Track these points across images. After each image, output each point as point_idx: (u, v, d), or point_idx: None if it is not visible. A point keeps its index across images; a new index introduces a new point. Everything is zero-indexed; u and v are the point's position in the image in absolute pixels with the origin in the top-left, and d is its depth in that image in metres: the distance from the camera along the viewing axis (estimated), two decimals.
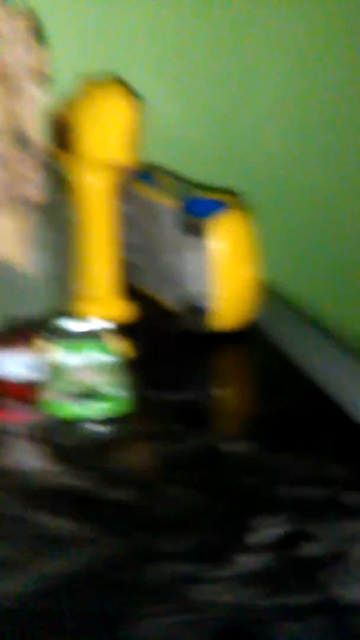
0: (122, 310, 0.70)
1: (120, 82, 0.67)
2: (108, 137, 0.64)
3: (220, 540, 0.41)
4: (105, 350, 0.54)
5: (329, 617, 0.34)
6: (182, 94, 0.93)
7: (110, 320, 0.63)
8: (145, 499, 0.44)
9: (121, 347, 0.56)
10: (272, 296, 0.79)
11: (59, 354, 0.54)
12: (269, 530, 0.41)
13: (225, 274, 0.64)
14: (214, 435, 0.52)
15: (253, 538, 0.41)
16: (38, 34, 0.68)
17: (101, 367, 0.54)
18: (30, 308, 0.72)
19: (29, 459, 0.48)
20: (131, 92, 0.65)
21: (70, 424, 0.53)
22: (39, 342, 0.56)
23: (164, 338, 0.70)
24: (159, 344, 0.68)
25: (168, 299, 0.74)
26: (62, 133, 0.70)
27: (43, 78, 0.71)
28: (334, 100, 0.98)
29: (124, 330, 0.66)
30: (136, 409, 0.55)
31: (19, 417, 0.53)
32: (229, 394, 0.60)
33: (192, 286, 0.67)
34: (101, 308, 0.69)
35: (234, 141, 0.97)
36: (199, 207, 0.65)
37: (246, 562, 0.39)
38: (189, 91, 0.93)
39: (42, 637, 0.33)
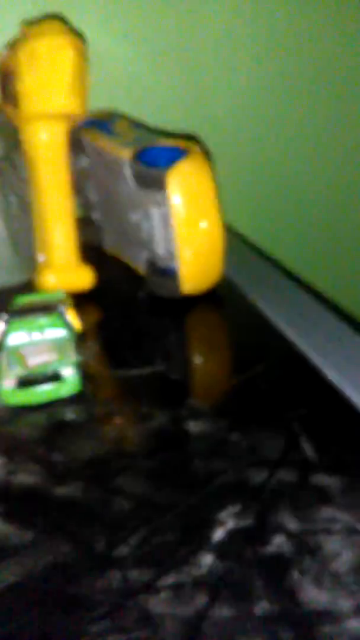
0: (83, 277, 0.64)
1: (62, 24, 0.59)
2: (52, 83, 0.57)
3: (181, 539, 0.36)
4: (60, 325, 0.49)
5: (297, 628, 0.30)
6: (132, 36, 0.86)
7: (70, 289, 0.58)
8: (96, 494, 0.39)
9: (78, 321, 0.51)
10: (239, 248, 0.74)
11: (10, 334, 0.49)
12: (235, 524, 0.37)
13: (189, 229, 0.58)
14: (181, 414, 0.47)
15: (218, 534, 0.36)
16: None
17: (55, 345, 0.49)
18: None
19: None
20: (74, 32, 0.58)
21: (21, 411, 0.48)
22: None
23: (130, 304, 0.64)
24: (123, 311, 0.63)
25: (132, 261, 0.69)
26: (7, 85, 0.63)
27: None
28: (292, 45, 0.94)
29: (85, 298, 0.61)
30: (95, 387, 0.50)
31: None
32: (200, 364, 0.55)
33: (156, 245, 0.62)
34: (60, 277, 0.63)
35: (187, 83, 0.91)
36: (156, 156, 0.58)
37: (209, 564, 0.34)
38: (139, 32, 0.86)
39: None
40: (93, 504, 0.39)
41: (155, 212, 0.59)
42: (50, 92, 0.57)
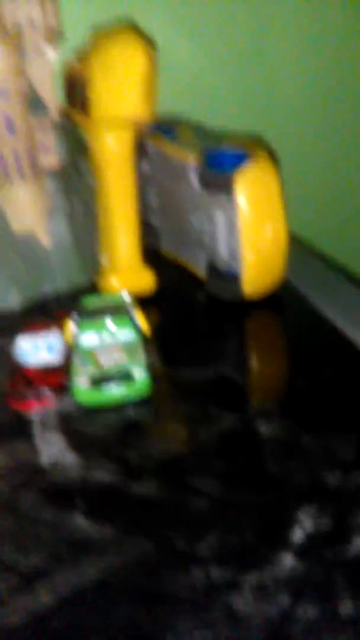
0: (146, 280, 0.65)
1: (134, 31, 0.60)
2: (123, 91, 0.58)
3: (259, 538, 0.36)
4: (129, 327, 0.50)
5: None
6: (198, 40, 0.87)
7: (132, 291, 0.59)
8: (172, 493, 0.40)
9: (146, 322, 0.51)
10: (301, 251, 0.74)
11: (82, 335, 0.50)
12: (314, 524, 0.37)
13: (254, 232, 0.59)
14: (249, 416, 0.47)
15: (296, 534, 0.36)
16: None
17: (125, 347, 0.50)
18: (52, 284, 0.69)
19: (49, 451, 0.45)
20: (146, 40, 0.59)
21: (93, 411, 0.49)
22: (61, 323, 0.52)
23: (192, 308, 0.65)
24: (186, 314, 0.64)
25: (192, 264, 0.69)
26: (76, 92, 0.64)
27: (56, 36, 0.65)
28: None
29: (149, 302, 0.62)
30: (163, 389, 0.51)
31: (39, 405, 0.49)
32: (264, 367, 0.56)
33: (219, 248, 0.62)
34: (125, 280, 0.64)
35: (252, 87, 0.91)
36: (222, 160, 0.59)
37: (290, 563, 0.35)
38: (204, 37, 0.87)
39: None
40: (169, 502, 0.39)
41: (220, 216, 0.60)
42: (122, 100, 0.58)
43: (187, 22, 0.86)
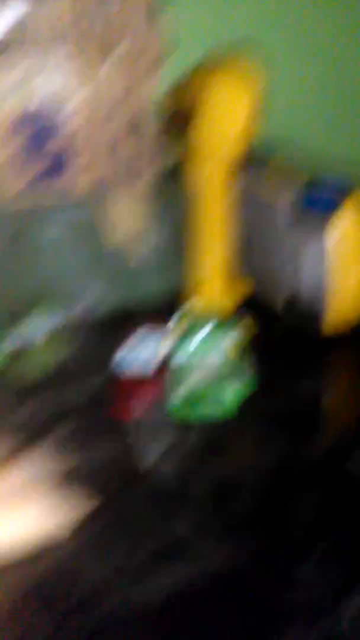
0: (233, 299, 0.69)
1: (242, 66, 0.63)
2: (224, 128, 0.63)
3: None
4: (223, 347, 0.53)
5: None
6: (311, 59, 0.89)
7: (221, 309, 0.62)
8: (274, 505, 0.43)
9: (245, 335, 0.55)
10: None
11: (179, 351, 0.53)
12: None
13: (343, 273, 0.62)
14: (341, 444, 0.50)
15: None
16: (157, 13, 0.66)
17: (220, 366, 0.53)
18: (147, 292, 0.73)
19: (147, 458, 0.48)
20: (253, 76, 0.62)
21: (191, 423, 0.52)
22: (161, 334, 0.55)
23: (274, 342, 0.68)
24: (268, 348, 0.67)
25: (267, 297, 0.72)
26: (177, 120, 0.68)
27: (161, 59, 0.69)
28: None
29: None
30: (248, 411, 0.53)
31: (136, 415, 0.53)
32: (345, 402, 0.58)
33: (304, 286, 0.65)
34: (212, 297, 0.68)
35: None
36: (317, 202, 0.62)
37: None
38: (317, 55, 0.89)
39: None
40: (273, 512, 0.42)
41: (309, 255, 0.63)
42: (222, 137, 0.62)
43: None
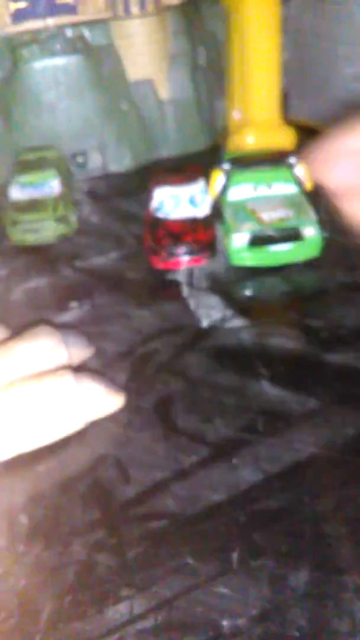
0: (287, 137, 0.56)
1: None
2: None
3: None
4: (290, 180, 0.42)
5: None
6: None
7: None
8: None
9: (309, 176, 0.43)
10: None
11: (232, 187, 0.42)
12: None
13: None
14: None
15: None
16: None
17: (289, 201, 0.42)
18: (167, 147, 0.61)
19: (209, 314, 0.38)
20: None
21: (249, 273, 0.42)
22: (210, 176, 0.44)
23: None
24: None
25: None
26: None
27: None
28: None
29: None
30: (336, 252, 0.43)
31: (188, 263, 0.42)
32: None
33: None
34: (263, 136, 0.55)
35: None
36: None
37: None
38: None
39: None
40: None
41: None
42: None
43: None
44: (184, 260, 0.42)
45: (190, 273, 0.42)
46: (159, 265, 0.42)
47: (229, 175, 0.43)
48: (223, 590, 0.24)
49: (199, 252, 0.42)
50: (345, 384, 0.30)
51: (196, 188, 0.45)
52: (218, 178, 0.44)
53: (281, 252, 0.41)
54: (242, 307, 0.38)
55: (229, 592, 0.24)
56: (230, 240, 0.41)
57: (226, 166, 0.43)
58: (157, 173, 0.47)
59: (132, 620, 0.24)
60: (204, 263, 0.42)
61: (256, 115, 0.55)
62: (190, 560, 0.25)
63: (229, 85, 0.58)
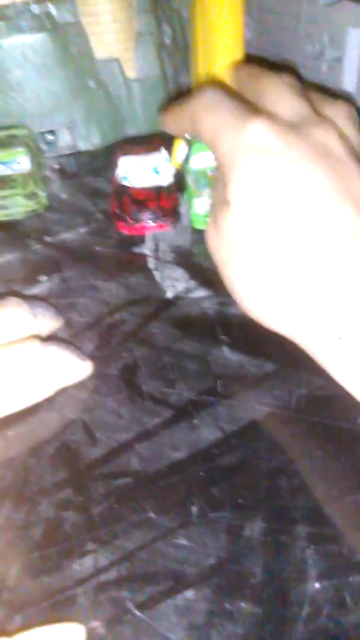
0: None
1: None
2: None
3: None
4: None
5: None
6: None
7: None
8: None
9: None
10: None
11: (195, 155, 0.43)
12: None
13: None
14: None
15: None
16: None
17: None
18: (135, 125, 0.61)
19: (174, 286, 0.39)
20: None
21: None
22: (173, 146, 0.45)
23: None
24: None
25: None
26: None
27: None
28: None
29: None
30: None
31: (154, 228, 0.44)
32: None
33: (347, 80, 0.54)
34: None
35: None
36: None
37: None
38: None
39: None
40: None
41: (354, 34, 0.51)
42: None
43: None
44: (148, 225, 0.43)
45: (156, 246, 0.43)
46: (125, 230, 0.44)
47: (190, 144, 0.44)
48: (183, 541, 0.26)
49: (163, 217, 0.43)
50: (299, 348, 0.31)
51: (160, 157, 0.46)
52: (180, 147, 0.45)
53: None
54: (205, 278, 0.39)
55: (189, 544, 0.26)
56: (192, 205, 0.43)
57: (187, 135, 0.44)
58: (122, 144, 0.48)
59: (97, 572, 0.25)
60: (168, 229, 0.44)
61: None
62: (152, 515, 0.27)
63: (193, 62, 0.58)
